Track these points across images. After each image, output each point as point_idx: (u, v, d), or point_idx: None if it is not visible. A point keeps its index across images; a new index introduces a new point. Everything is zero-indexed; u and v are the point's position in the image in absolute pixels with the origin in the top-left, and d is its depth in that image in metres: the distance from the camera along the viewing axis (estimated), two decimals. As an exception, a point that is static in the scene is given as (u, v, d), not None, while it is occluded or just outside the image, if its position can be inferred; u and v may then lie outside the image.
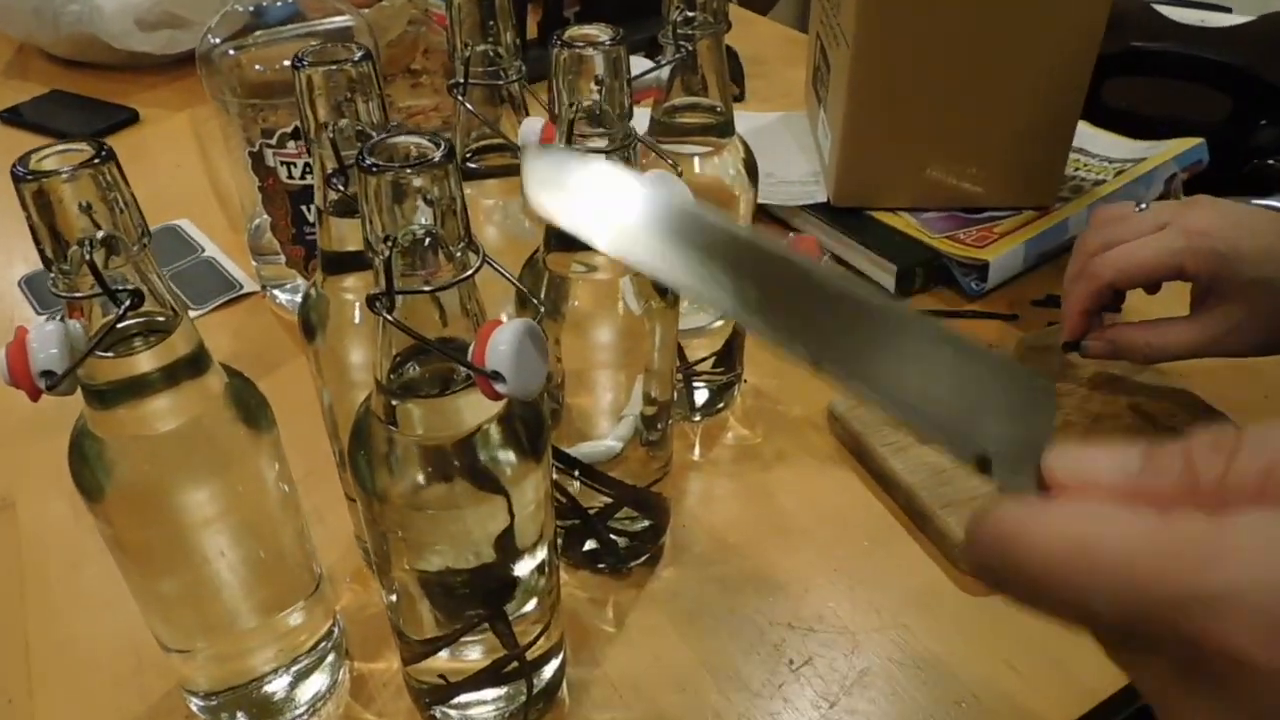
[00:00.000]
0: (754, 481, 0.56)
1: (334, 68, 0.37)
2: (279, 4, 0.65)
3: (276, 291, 0.69)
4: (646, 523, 0.51)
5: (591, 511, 0.49)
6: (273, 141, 0.61)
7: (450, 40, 0.46)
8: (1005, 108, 0.71)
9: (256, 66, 0.61)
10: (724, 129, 0.52)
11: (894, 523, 0.53)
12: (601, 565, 0.51)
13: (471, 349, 0.32)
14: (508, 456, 0.35)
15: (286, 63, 0.61)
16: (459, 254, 0.31)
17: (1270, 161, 1.05)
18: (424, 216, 0.30)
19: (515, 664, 0.41)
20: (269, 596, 0.40)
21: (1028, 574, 0.20)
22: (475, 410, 0.34)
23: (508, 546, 0.36)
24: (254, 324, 0.69)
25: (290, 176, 0.62)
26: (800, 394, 0.62)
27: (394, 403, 0.33)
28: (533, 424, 0.36)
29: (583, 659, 0.47)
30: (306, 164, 0.62)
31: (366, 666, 0.47)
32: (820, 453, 0.58)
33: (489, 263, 0.33)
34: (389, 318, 0.30)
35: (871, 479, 0.56)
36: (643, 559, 0.51)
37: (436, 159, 0.29)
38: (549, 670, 0.43)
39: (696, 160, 0.52)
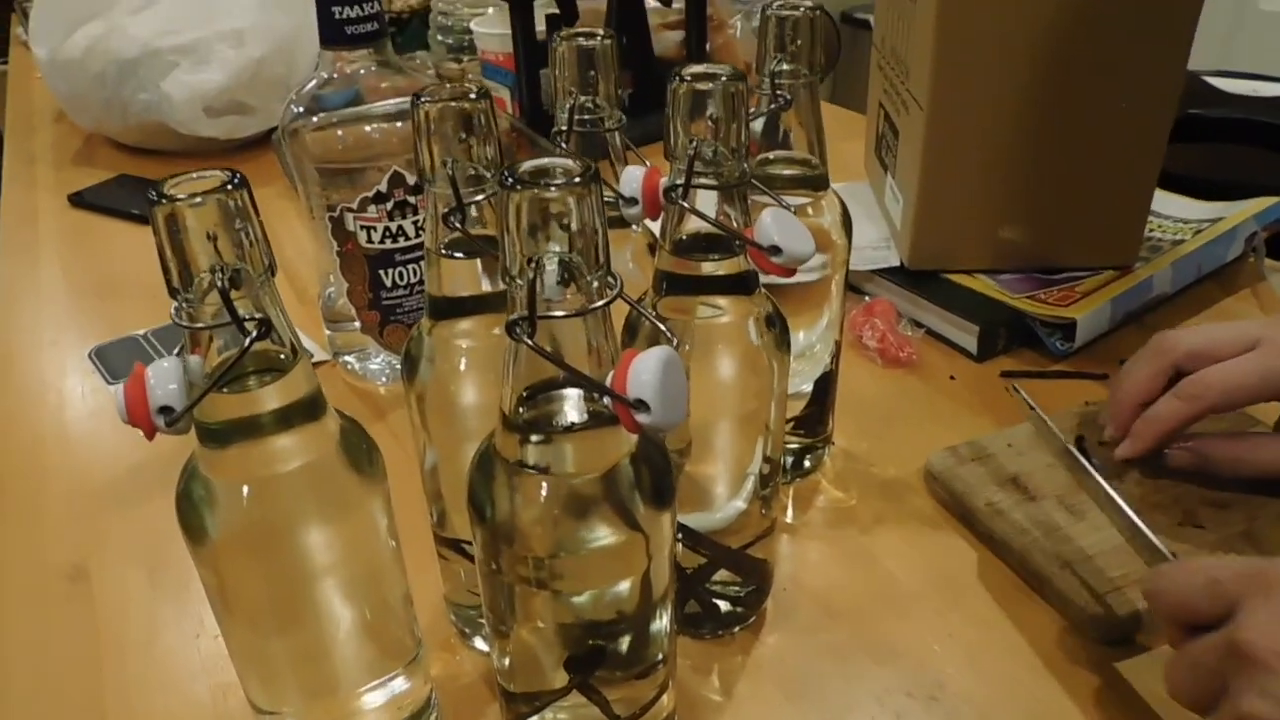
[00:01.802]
0: (854, 545, 0.54)
1: (453, 104, 0.36)
2: (342, 90, 0.66)
3: (349, 359, 0.68)
4: (750, 586, 0.48)
5: (688, 571, 0.47)
6: (354, 206, 0.61)
7: (551, 90, 0.46)
8: (1083, 167, 0.70)
9: (339, 134, 0.62)
10: (818, 182, 0.52)
11: (1008, 586, 0.50)
12: (704, 630, 0.48)
13: (611, 378, 0.30)
14: (643, 496, 0.33)
15: (370, 131, 0.63)
16: (599, 279, 0.30)
17: (1337, 226, 1.03)
18: (567, 238, 0.29)
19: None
20: (373, 659, 0.38)
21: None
22: (608, 447, 0.32)
23: (645, 592, 0.34)
24: (327, 393, 0.68)
25: (369, 241, 0.62)
26: (893, 455, 0.60)
27: (523, 439, 0.32)
28: (661, 464, 0.34)
29: (692, 731, 0.44)
30: (386, 229, 0.61)
31: (461, 740, 0.44)
32: (920, 514, 0.56)
33: (623, 296, 0.31)
34: (530, 343, 0.29)
35: (978, 541, 0.53)
36: (745, 624, 0.49)
37: (584, 177, 0.28)
38: (664, 741, 0.40)
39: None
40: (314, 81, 0.62)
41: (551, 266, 0.29)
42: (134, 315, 0.77)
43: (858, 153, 0.93)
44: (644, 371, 0.29)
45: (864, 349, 0.70)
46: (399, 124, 0.63)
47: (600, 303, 0.29)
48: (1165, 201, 0.82)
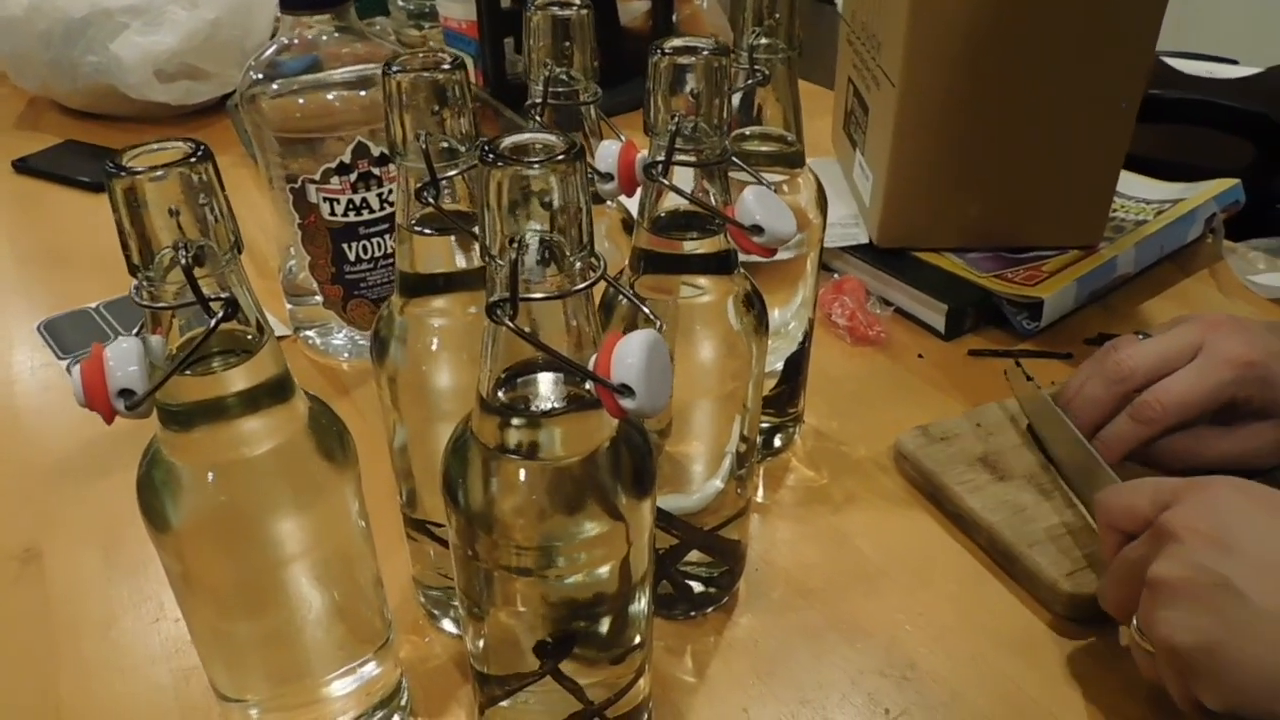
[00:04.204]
0: (825, 524, 0.54)
1: (426, 75, 0.35)
2: (300, 56, 0.63)
3: (310, 334, 0.66)
4: (723, 567, 0.48)
5: (660, 552, 0.47)
6: (316, 177, 0.59)
7: (526, 61, 0.45)
8: (1052, 147, 0.70)
9: (300, 101, 0.60)
10: (795, 159, 0.51)
11: (977, 564, 0.51)
12: (677, 611, 0.48)
13: (594, 361, 0.29)
14: (624, 480, 0.32)
15: (332, 99, 0.61)
16: (582, 260, 0.29)
17: (1292, 208, 1.05)
18: (550, 217, 0.28)
19: (599, 719, 0.37)
20: (344, 645, 0.37)
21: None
22: (589, 431, 0.31)
23: (625, 576, 0.33)
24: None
25: (333, 213, 0.60)
26: (863, 434, 0.60)
27: (502, 423, 0.31)
28: (641, 446, 0.33)
29: (666, 713, 0.43)
30: (350, 201, 0.60)
31: (432, 724, 0.43)
32: (891, 494, 0.56)
33: (605, 277, 0.30)
34: (512, 326, 0.28)
35: (948, 520, 0.54)
36: (718, 605, 0.48)
37: (569, 154, 0.27)
38: (640, 723, 0.40)
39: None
40: (273, 47, 0.60)
41: (534, 246, 0.28)
42: (85, 287, 0.74)
43: (824, 128, 0.93)
44: (629, 355, 0.28)
45: (833, 327, 0.70)
46: (362, 93, 0.61)
47: (584, 284, 0.29)
48: (1127, 182, 0.83)
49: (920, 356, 0.68)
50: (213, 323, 0.29)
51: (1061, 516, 0.51)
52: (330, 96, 0.62)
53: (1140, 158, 0.86)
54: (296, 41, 0.60)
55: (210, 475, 0.32)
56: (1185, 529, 0.38)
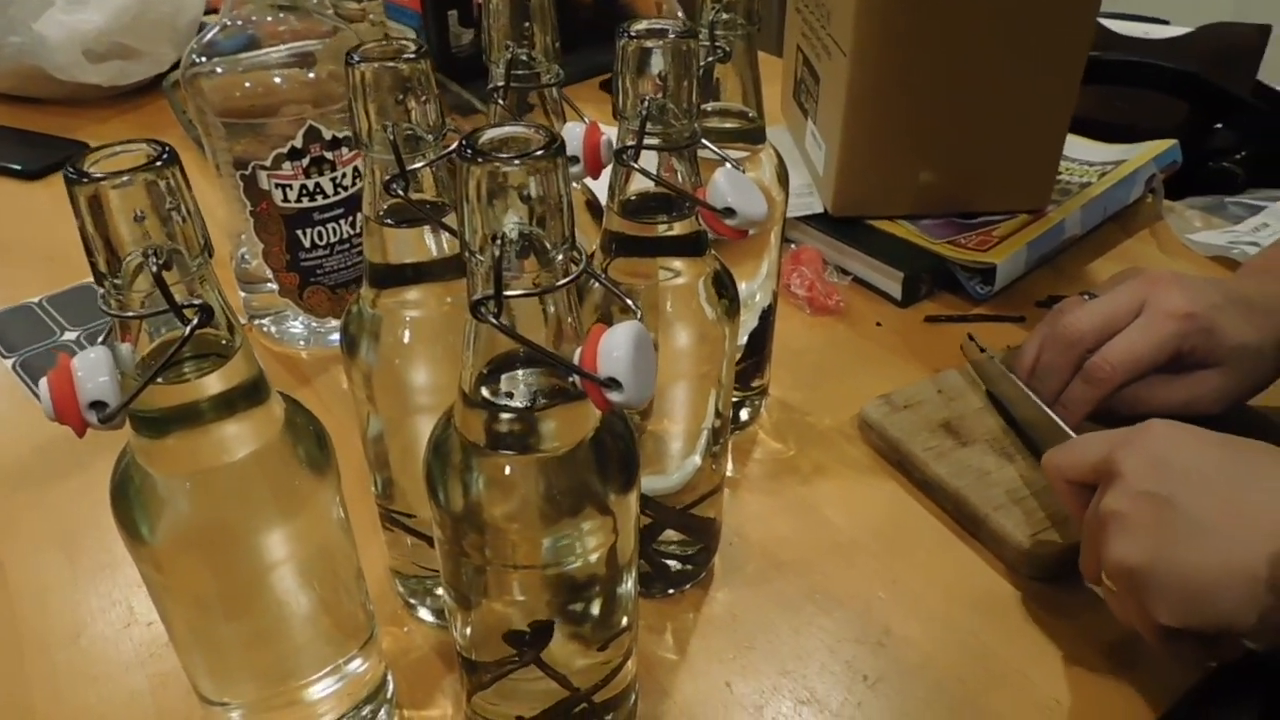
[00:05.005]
0: (795, 496, 0.55)
1: (389, 65, 0.34)
2: (236, 35, 0.61)
3: (265, 322, 0.65)
4: (698, 545, 0.49)
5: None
6: (267, 163, 0.57)
7: (484, 42, 0.44)
8: (1000, 113, 0.71)
9: (246, 84, 0.58)
10: (756, 135, 0.51)
11: (945, 530, 0.52)
12: (654, 589, 0.48)
13: (579, 355, 0.29)
14: (609, 470, 0.32)
15: (277, 80, 0.59)
16: (564, 253, 0.28)
17: (1225, 165, 1.08)
18: (533, 212, 0.27)
19: (586, 704, 0.38)
20: (330, 643, 0.37)
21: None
22: (573, 423, 0.31)
23: (612, 563, 0.34)
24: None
25: (286, 200, 0.58)
26: (827, 404, 0.61)
27: (486, 418, 0.31)
28: (625, 434, 0.33)
29: (650, 691, 0.44)
30: (303, 187, 0.58)
31: (417, 715, 0.43)
32: (857, 463, 0.57)
33: (589, 269, 0.30)
34: (497, 323, 0.28)
35: (914, 486, 0.55)
36: (695, 581, 0.49)
37: (551, 148, 0.27)
38: (628, 704, 0.40)
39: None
40: (216, 29, 0.58)
41: (517, 243, 0.27)
42: (24, 281, 0.71)
43: (773, 95, 0.93)
44: (615, 348, 0.28)
45: (793, 297, 0.70)
46: (309, 73, 0.59)
47: (568, 278, 0.28)
48: (1071, 144, 0.84)
49: (879, 324, 0.69)
50: (188, 331, 0.28)
51: (1023, 479, 0.52)
52: (273, 76, 0.60)
53: (1079, 118, 0.88)
54: (230, 23, 0.58)
55: (189, 485, 0.31)
56: (1128, 464, 0.41)
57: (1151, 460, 0.41)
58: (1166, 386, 0.53)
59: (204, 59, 0.58)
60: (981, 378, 0.59)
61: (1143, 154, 0.82)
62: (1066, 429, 0.51)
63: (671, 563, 0.48)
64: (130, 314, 0.28)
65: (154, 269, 0.27)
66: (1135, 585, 0.40)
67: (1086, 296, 0.56)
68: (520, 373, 0.31)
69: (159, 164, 0.27)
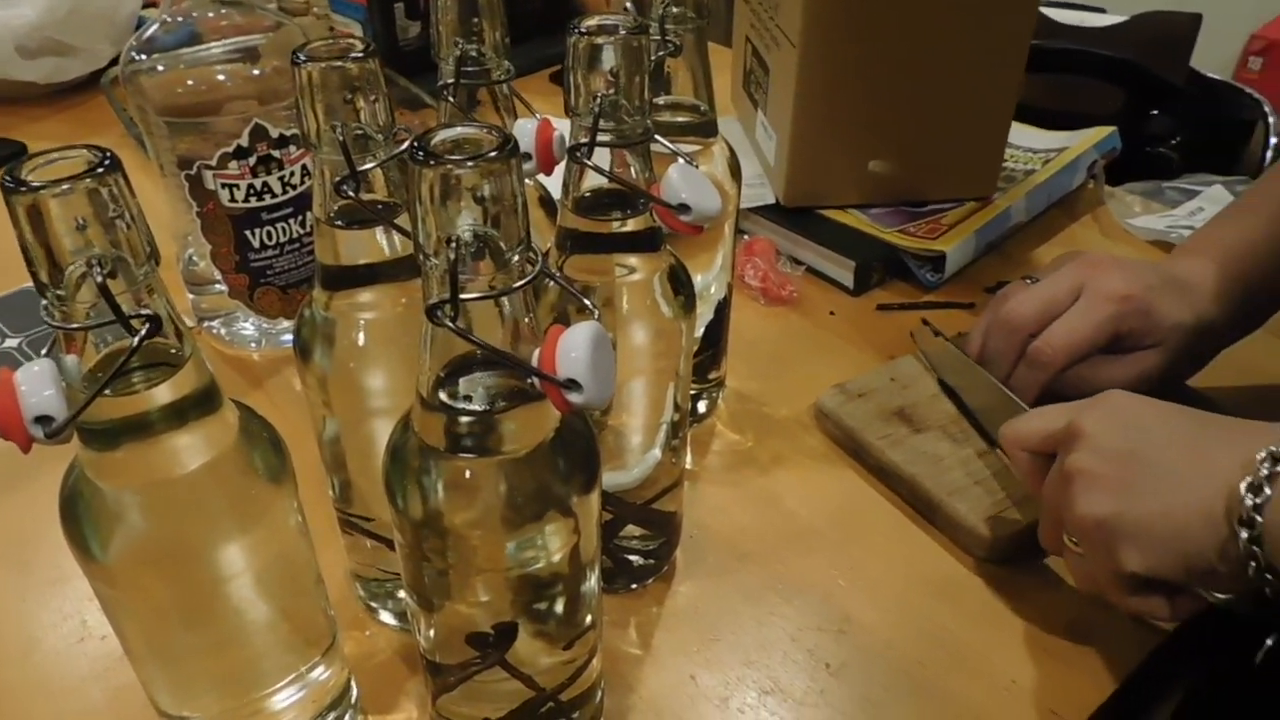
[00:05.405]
0: (754, 487, 0.55)
1: (337, 64, 0.34)
2: (176, 31, 0.60)
3: (215, 324, 0.64)
4: (661, 539, 0.49)
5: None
6: (213, 163, 0.56)
7: (433, 38, 0.43)
8: (946, 101, 0.72)
9: (188, 82, 0.57)
10: (708, 128, 0.51)
11: (902, 516, 0.53)
12: (617, 584, 0.48)
13: (538, 356, 0.29)
14: (570, 471, 0.32)
15: (221, 77, 0.58)
16: (520, 255, 0.28)
17: (1161, 150, 1.11)
18: (487, 214, 0.27)
19: (553, 703, 0.38)
20: (291, 652, 0.36)
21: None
22: (533, 425, 0.31)
23: (575, 563, 0.34)
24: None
25: (233, 200, 0.57)
26: (783, 395, 0.61)
27: (445, 422, 0.31)
28: (585, 433, 0.33)
29: (616, 686, 0.44)
30: (250, 186, 0.57)
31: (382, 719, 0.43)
32: (815, 452, 0.57)
33: (545, 270, 0.30)
34: (454, 328, 0.28)
35: (871, 474, 0.56)
36: (658, 575, 0.49)
37: (506, 150, 0.27)
38: (594, 701, 0.40)
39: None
40: (156, 25, 0.57)
41: (472, 246, 0.27)
42: (-43, 286, 0.69)
43: (722, 86, 0.93)
44: (574, 349, 0.28)
45: (747, 288, 0.71)
46: (253, 69, 0.58)
47: (524, 280, 0.28)
48: (1015, 131, 0.85)
49: (832, 313, 0.69)
50: (136, 342, 0.27)
51: (976, 463, 0.53)
52: (216, 73, 0.59)
53: (1021, 105, 0.90)
54: (171, 20, 0.57)
55: (141, 498, 0.30)
56: (1091, 426, 0.43)
57: (1115, 420, 0.43)
58: (1109, 367, 0.54)
59: (143, 55, 0.57)
60: (934, 363, 0.60)
61: (1084, 141, 0.83)
62: (1023, 405, 0.52)
63: (634, 557, 0.49)
64: (75, 325, 0.28)
65: (99, 279, 0.26)
66: (1104, 537, 0.41)
67: (1029, 281, 0.57)
68: (478, 375, 0.31)
69: (100, 170, 0.26)
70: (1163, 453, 0.41)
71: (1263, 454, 0.37)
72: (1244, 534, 0.37)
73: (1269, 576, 0.37)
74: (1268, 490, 0.37)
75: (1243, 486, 0.37)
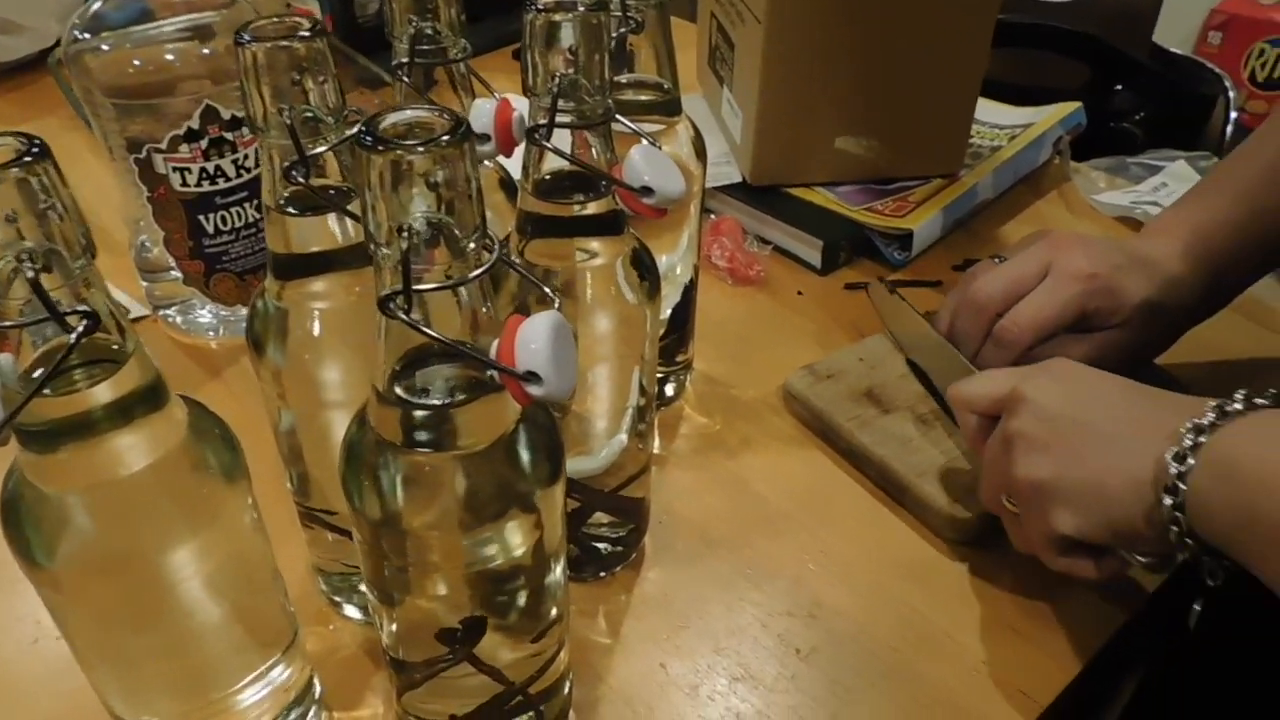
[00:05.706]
0: (723, 471, 0.55)
1: (283, 44, 0.32)
2: (125, 7, 0.58)
3: (170, 312, 0.62)
4: (629, 526, 0.48)
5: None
6: (163, 146, 0.54)
7: (386, 16, 0.42)
8: (913, 78, 0.71)
9: (135, 62, 0.55)
10: (672, 107, 0.50)
11: (871, 498, 0.53)
12: (585, 573, 0.48)
13: (496, 348, 0.28)
14: (533, 464, 0.31)
15: (170, 57, 0.56)
16: (476, 242, 0.27)
17: (1125, 125, 1.11)
18: (440, 201, 0.26)
19: (521, 697, 0.37)
20: (250, 652, 0.35)
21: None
22: (493, 417, 0.30)
23: (539, 555, 0.33)
24: (150, 351, 0.62)
25: (185, 184, 0.56)
26: (751, 377, 0.61)
27: (401, 416, 0.30)
28: (549, 428, 0.33)
29: (585, 676, 0.44)
30: (203, 170, 0.56)
31: (347, 716, 0.42)
32: (783, 434, 0.57)
33: (503, 258, 0.29)
34: (407, 319, 0.27)
35: (840, 456, 0.55)
36: (626, 563, 0.49)
37: (457, 133, 0.26)
38: (563, 692, 0.40)
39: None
40: (102, 1, 0.54)
41: (425, 234, 0.26)
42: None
43: (687, 62, 0.92)
44: (533, 341, 0.28)
45: (714, 268, 0.70)
46: (205, 48, 0.56)
47: (481, 269, 0.27)
48: (980, 108, 0.85)
49: (800, 293, 0.69)
50: (73, 339, 0.26)
51: (946, 444, 0.53)
52: (165, 52, 0.57)
53: (986, 81, 0.90)
54: (120, -6, 0.55)
55: (85, 501, 0.29)
56: (1033, 391, 0.44)
57: (1057, 387, 0.44)
58: (1076, 345, 0.54)
59: (88, 34, 0.55)
60: (902, 343, 0.60)
61: (1049, 116, 0.83)
62: (969, 365, 0.53)
63: (602, 545, 0.48)
64: (8, 323, 0.26)
65: (30, 274, 0.25)
66: (1040, 499, 0.42)
67: (997, 260, 0.57)
68: (435, 368, 0.30)
69: (28, 159, 0.25)
70: (1101, 421, 0.42)
71: (1188, 425, 0.38)
72: (1168, 501, 0.38)
73: (1188, 541, 0.38)
74: (1191, 460, 0.38)
75: (1168, 455, 0.38)
